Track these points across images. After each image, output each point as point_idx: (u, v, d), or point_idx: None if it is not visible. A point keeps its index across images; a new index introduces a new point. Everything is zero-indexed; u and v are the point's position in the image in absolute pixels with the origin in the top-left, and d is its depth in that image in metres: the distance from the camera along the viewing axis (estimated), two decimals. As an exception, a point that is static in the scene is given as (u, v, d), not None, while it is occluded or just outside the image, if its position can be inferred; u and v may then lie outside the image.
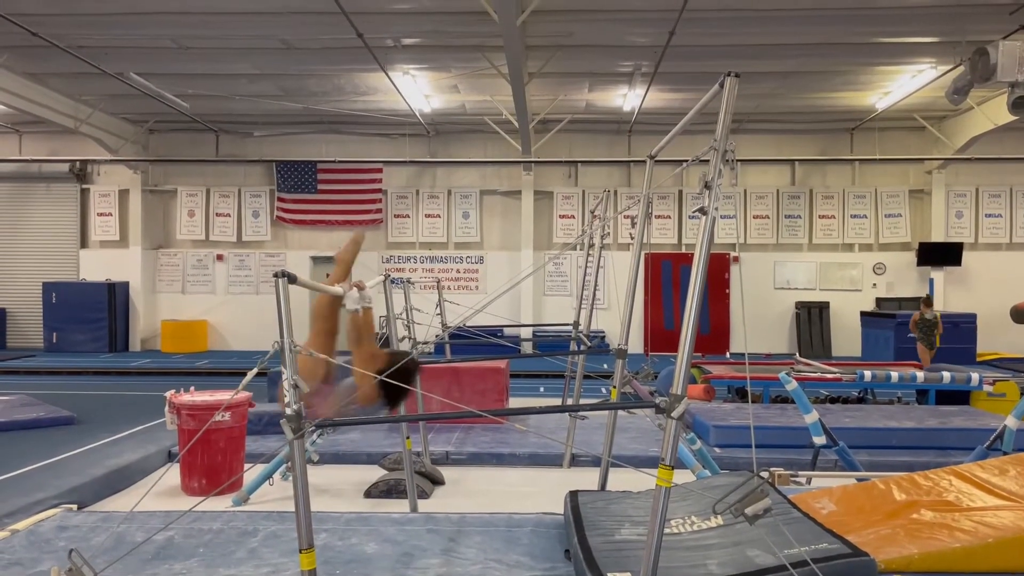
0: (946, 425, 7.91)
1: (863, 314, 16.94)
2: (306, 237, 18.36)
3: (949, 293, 17.48)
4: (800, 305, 17.74)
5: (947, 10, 10.53)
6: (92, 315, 17.57)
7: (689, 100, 14.75)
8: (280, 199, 18.15)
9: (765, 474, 5.73)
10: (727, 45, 11.99)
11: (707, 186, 3.08)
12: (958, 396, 9.62)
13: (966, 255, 17.29)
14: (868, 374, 8.53)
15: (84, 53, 12.28)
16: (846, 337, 17.33)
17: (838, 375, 9.45)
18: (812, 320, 17.66)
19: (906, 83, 13.77)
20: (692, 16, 10.35)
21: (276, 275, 3.22)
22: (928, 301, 13.56)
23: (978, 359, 14.96)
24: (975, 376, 8.38)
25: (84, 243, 18.53)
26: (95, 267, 18.29)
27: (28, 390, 11.22)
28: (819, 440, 6.25)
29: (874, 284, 17.86)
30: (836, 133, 17.67)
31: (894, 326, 15.19)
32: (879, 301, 17.65)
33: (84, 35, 11.66)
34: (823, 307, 17.67)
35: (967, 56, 11.08)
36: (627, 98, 14.93)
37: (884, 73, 13.55)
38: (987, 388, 8.73)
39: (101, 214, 18.36)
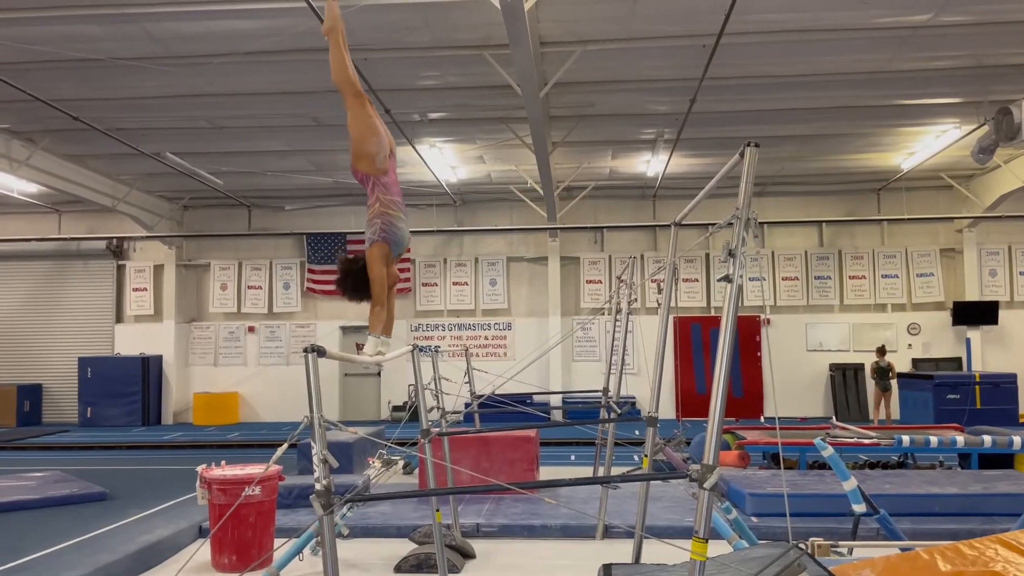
0: (990, 491, 7.67)
1: (899, 376, 16.63)
2: (336, 307, 18.52)
3: (987, 352, 17.12)
4: (834, 367, 17.46)
5: (968, 71, 10.59)
6: (126, 389, 17.76)
7: (712, 164, 14.87)
8: (310, 270, 18.42)
9: (804, 545, 5.57)
10: (748, 111, 12.13)
11: (731, 254, 3.09)
12: (1001, 460, 9.34)
13: (1002, 313, 16.99)
14: (906, 439, 8.30)
15: (122, 135, 12.73)
16: (883, 399, 16.98)
17: (876, 440, 9.21)
18: (847, 382, 17.35)
19: (931, 143, 13.78)
20: (712, 84, 10.52)
21: (306, 350, 3.26)
22: (882, 350, 15.47)
23: (1021, 420, 14.55)
24: (1017, 439, 8.10)
25: (119, 318, 18.86)
26: (130, 341, 18.57)
27: (62, 466, 11.31)
28: (859, 508, 6.07)
29: (909, 345, 17.56)
30: (863, 194, 17.65)
31: (932, 388, 14.87)
32: (915, 362, 17.32)
33: (123, 118, 12.10)
34: (858, 369, 17.36)
35: (991, 116, 11.10)
36: (650, 164, 15.09)
37: (908, 134, 13.59)
38: (1031, 451, 8.46)
39: (136, 289, 18.74)
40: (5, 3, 8.32)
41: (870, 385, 17.12)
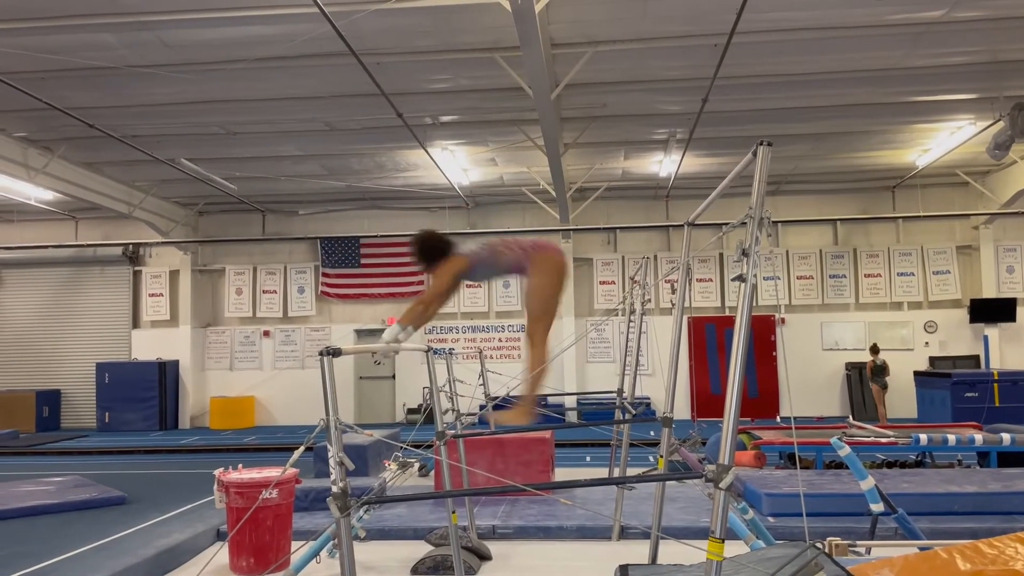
0: (1010, 489, 7.60)
1: (917, 374, 16.50)
2: (350, 311, 18.62)
3: (1005, 350, 16.99)
4: (850, 366, 17.36)
5: (983, 67, 10.52)
6: (143, 394, 17.91)
7: (725, 164, 14.83)
8: (324, 274, 18.51)
9: (822, 544, 5.54)
10: (760, 110, 12.08)
11: (744, 253, 3.08)
12: (1020, 458, 9.26)
13: (1020, 311, 16.85)
14: (924, 437, 8.25)
15: (137, 142, 12.84)
16: (900, 398, 16.82)
17: (893, 439, 9.15)
18: (864, 381, 17.23)
19: (945, 140, 13.69)
20: (724, 83, 10.49)
21: (322, 353, 3.27)
22: (875, 349, 15.71)
23: (1040, 418, 14.40)
24: (1037, 437, 8.06)
25: (136, 323, 19.02)
26: (146, 347, 18.72)
27: (81, 470, 11.40)
28: (876, 507, 6.03)
29: (926, 343, 17.44)
30: (877, 191, 17.55)
31: (950, 386, 14.74)
32: (932, 360, 17.20)
33: (138, 125, 12.21)
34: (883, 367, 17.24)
35: (1006, 111, 11.02)
36: (663, 164, 15.06)
37: (922, 131, 13.50)
38: (1051, 449, 8.38)
39: (152, 295, 18.88)
40: (21, 13, 8.42)
41: (888, 383, 17.03)
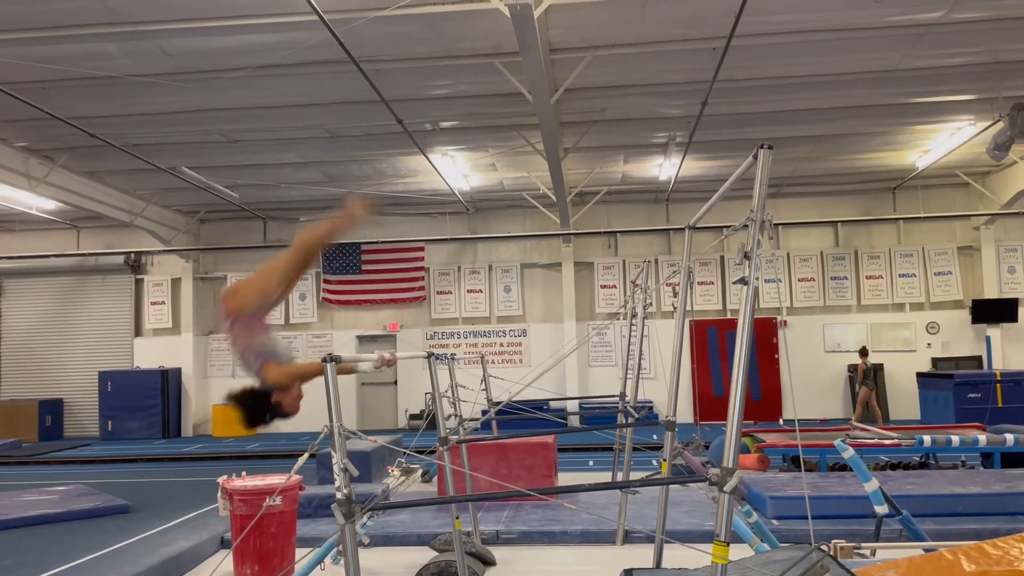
0: (1014, 489, 7.59)
1: (919, 375, 16.47)
2: (351, 317, 18.62)
3: (1007, 350, 16.96)
4: (852, 368, 17.32)
5: (982, 67, 10.53)
6: (146, 402, 17.90)
7: (726, 167, 14.85)
8: (326, 281, 18.51)
9: (826, 547, 5.53)
10: (760, 112, 12.09)
11: (746, 256, 3.08)
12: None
13: (1022, 311, 16.83)
14: (928, 439, 8.23)
15: (139, 151, 12.86)
16: (903, 400, 16.82)
17: (896, 440, 9.13)
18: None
19: (945, 141, 13.69)
20: (724, 86, 10.50)
21: (324, 359, 3.28)
22: (865, 351, 15.61)
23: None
24: (1041, 437, 8.03)
25: (138, 332, 19.02)
26: (149, 355, 18.72)
27: (84, 479, 11.40)
28: (881, 509, 6.02)
29: (928, 344, 17.42)
30: (878, 192, 17.56)
31: (953, 387, 14.72)
32: (935, 361, 17.18)
33: (139, 134, 12.23)
34: (877, 369, 17.20)
35: (1006, 112, 11.02)
36: (663, 168, 15.07)
37: (922, 132, 13.51)
38: (1055, 449, 8.36)
39: (154, 303, 18.90)
40: (22, 23, 8.44)
41: (891, 384, 17.08)
